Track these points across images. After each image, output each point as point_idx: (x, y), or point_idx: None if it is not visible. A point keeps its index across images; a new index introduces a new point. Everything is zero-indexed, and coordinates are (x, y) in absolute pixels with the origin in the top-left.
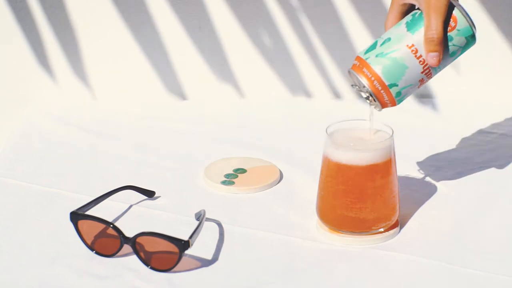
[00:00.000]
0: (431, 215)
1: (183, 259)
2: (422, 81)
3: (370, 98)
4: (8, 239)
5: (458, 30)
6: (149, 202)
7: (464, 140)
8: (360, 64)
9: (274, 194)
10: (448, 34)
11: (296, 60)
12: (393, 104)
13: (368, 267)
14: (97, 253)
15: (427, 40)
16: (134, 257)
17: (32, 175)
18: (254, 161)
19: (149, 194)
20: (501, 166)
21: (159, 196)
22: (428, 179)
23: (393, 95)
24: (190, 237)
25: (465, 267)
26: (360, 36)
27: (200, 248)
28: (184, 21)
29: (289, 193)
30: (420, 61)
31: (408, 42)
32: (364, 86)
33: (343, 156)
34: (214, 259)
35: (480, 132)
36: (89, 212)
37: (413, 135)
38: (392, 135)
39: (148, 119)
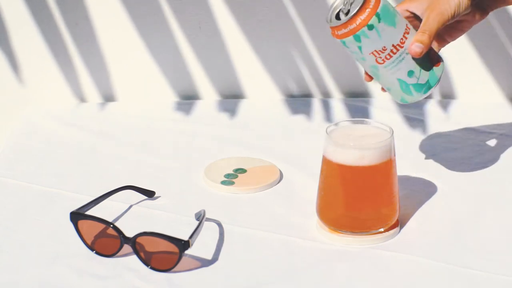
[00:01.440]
0: (431, 215)
1: (183, 259)
2: (383, 50)
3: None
4: (8, 239)
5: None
6: (149, 202)
7: (464, 140)
8: None
9: (274, 194)
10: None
11: (297, 60)
12: (369, 17)
13: (368, 267)
14: (97, 253)
15: (420, 31)
16: (134, 257)
17: (32, 175)
18: (254, 161)
19: (149, 194)
20: (501, 166)
21: (159, 196)
22: (428, 179)
23: (376, 11)
24: (190, 237)
25: (465, 267)
26: None
27: (200, 248)
28: (184, 21)
29: (289, 193)
30: (402, 39)
31: (406, 21)
32: None
33: (343, 156)
34: (214, 259)
35: (480, 132)
36: (89, 212)
37: (413, 135)
38: (392, 135)
39: (148, 119)
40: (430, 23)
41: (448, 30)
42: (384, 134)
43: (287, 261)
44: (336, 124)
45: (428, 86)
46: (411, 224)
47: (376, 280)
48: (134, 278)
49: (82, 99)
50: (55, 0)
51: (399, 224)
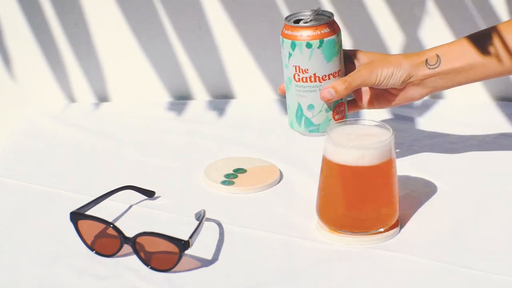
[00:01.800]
0: (431, 215)
1: (183, 259)
2: (304, 72)
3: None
4: (8, 239)
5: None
6: (149, 202)
7: (464, 140)
8: None
9: (274, 194)
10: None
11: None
12: (313, 38)
13: (368, 267)
14: (97, 253)
15: (341, 79)
16: (134, 257)
17: (32, 175)
18: (254, 161)
19: (149, 194)
20: (501, 166)
21: (159, 196)
22: (428, 179)
23: (321, 38)
24: (190, 237)
25: (465, 267)
26: (357, 36)
27: (200, 248)
28: (184, 21)
29: (289, 193)
30: (325, 76)
31: (342, 68)
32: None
33: (343, 156)
34: (214, 259)
35: (480, 132)
36: (89, 212)
37: (413, 135)
38: (392, 135)
39: (148, 119)
40: (355, 77)
41: (378, 96)
42: (384, 134)
43: (287, 261)
44: (336, 124)
45: (316, 129)
46: (411, 224)
47: (376, 280)
48: (134, 278)
49: (82, 99)
50: (53, 2)
51: (399, 224)
